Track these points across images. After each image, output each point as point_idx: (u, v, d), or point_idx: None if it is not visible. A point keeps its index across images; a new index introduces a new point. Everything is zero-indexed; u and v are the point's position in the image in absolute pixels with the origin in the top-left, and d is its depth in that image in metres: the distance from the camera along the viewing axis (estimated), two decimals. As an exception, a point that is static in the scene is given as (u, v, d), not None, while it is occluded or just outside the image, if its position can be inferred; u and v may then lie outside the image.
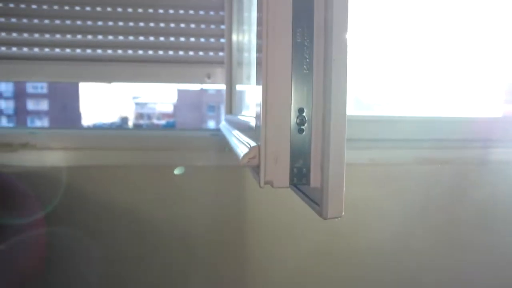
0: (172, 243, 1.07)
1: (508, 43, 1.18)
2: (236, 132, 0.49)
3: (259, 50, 0.31)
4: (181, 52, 1.15)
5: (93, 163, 1.05)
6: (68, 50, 1.09)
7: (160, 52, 1.13)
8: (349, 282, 1.12)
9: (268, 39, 0.30)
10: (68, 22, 1.08)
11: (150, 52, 1.13)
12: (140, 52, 1.12)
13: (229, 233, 1.08)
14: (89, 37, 1.10)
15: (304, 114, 0.32)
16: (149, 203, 1.06)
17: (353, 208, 1.08)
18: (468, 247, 1.13)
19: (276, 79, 0.31)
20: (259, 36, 0.31)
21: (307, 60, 0.31)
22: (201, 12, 1.13)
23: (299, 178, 0.32)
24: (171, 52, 1.14)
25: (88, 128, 1.27)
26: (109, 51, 1.11)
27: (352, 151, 1.08)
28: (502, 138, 1.11)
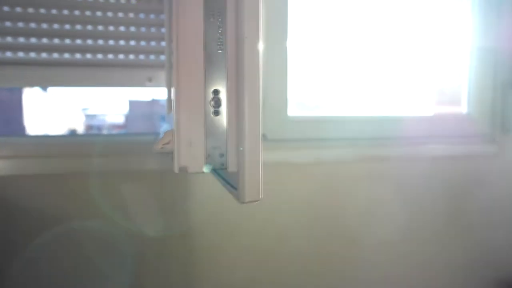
0: (113, 250, 1.02)
1: (439, 46, 1.25)
2: (165, 125, 0.47)
3: (169, 29, 0.30)
4: (121, 56, 1.11)
5: (28, 172, 0.98)
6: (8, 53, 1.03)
7: (100, 56, 1.09)
8: (299, 282, 1.12)
9: (179, 19, 0.29)
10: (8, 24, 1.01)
11: (89, 55, 1.08)
12: (78, 55, 1.07)
13: (173, 236, 1.05)
14: (21, 39, 1.03)
15: (219, 95, 0.31)
16: (89, 210, 1.01)
17: (302, 206, 1.09)
18: (406, 235, 1.17)
19: (188, 60, 0.30)
20: (170, 15, 0.29)
21: (221, 39, 0.30)
22: (141, 16, 1.10)
23: (216, 163, 0.31)
24: (110, 56, 1.10)
25: (24, 135, 1.19)
26: (44, 55, 1.05)
27: (299, 151, 1.10)
28: (433, 135, 1.17)
